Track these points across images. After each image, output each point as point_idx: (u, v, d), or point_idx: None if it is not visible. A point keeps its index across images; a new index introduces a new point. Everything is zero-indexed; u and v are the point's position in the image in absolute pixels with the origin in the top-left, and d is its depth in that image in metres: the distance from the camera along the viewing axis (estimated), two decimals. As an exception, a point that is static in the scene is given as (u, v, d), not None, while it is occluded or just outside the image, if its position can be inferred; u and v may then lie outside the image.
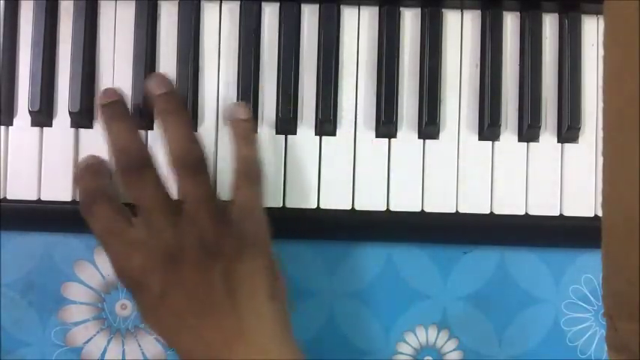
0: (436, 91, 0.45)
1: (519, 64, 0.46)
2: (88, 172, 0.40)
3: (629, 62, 0.27)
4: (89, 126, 0.44)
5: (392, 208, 0.44)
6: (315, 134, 0.45)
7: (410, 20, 0.46)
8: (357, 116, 0.45)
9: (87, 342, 0.45)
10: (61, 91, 0.44)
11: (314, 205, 0.44)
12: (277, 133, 0.45)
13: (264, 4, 0.45)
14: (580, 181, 0.45)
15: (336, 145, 0.45)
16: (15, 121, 0.44)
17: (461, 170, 0.45)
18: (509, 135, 0.46)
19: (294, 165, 0.44)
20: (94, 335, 0.46)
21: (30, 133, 0.44)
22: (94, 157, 0.41)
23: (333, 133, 0.45)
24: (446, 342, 0.47)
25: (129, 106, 0.41)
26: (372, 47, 0.45)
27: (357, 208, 0.44)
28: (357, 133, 0.45)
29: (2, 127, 0.43)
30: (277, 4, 0.45)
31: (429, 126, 0.44)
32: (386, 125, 0.44)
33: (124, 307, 0.46)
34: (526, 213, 0.45)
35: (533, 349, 0.47)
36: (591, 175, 0.45)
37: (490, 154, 0.45)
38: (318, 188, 0.44)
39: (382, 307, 0.46)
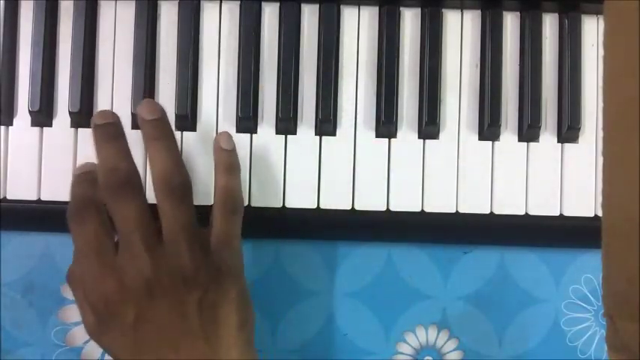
0: (436, 91, 0.45)
1: (519, 64, 0.46)
2: (83, 179, 0.40)
3: (629, 62, 0.27)
4: (89, 126, 0.44)
5: (392, 208, 0.44)
6: (315, 134, 0.45)
7: (410, 20, 0.46)
8: (357, 116, 0.45)
9: (87, 342, 0.45)
10: (61, 91, 0.44)
11: (314, 205, 0.44)
12: (277, 133, 0.44)
13: (264, 4, 0.45)
14: (580, 181, 0.45)
15: (336, 145, 0.45)
16: (15, 121, 0.44)
17: (461, 170, 0.45)
18: (509, 135, 0.46)
19: (294, 165, 0.44)
20: (94, 335, 0.46)
21: (30, 133, 0.44)
22: (93, 164, 0.40)
23: (333, 133, 0.45)
24: (446, 342, 0.47)
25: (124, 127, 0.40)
26: (372, 47, 0.45)
27: (357, 208, 0.44)
28: (357, 133, 0.45)
29: (2, 127, 0.43)
30: (277, 4, 0.45)
31: (429, 126, 0.44)
32: (386, 125, 0.44)
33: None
34: (526, 213, 0.45)
35: (533, 349, 0.47)
36: (591, 175, 0.45)
37: (490, 154, 0.45)
38: (318, 188, 0.44)
39: (382, 307, 0.46)
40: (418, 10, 0.46)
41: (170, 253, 0.37)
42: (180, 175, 0.38)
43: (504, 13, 0.46)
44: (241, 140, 0.44)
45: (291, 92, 0.44)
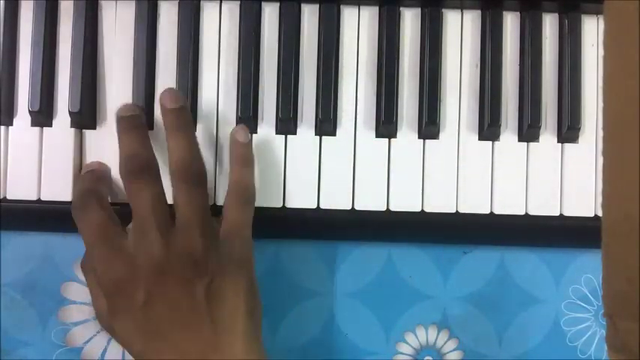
0: (436, 91, 0.45)
1: (519, 64, 0.46)
2: (89, 174, 0.42)
3: (629, 62, 0.27)
4: (89, 126, 0.44)
5: (392, 208, 0.44)
6: (315, 134, 0.45)
7: (410, 20, 0.46)
8: (357, 116, 0.45)
9: (87, 342, 0.45)
10: (61, 91, 0.44)
11: (314, 205, 0.44)
12: (277, 133, 0.44)
13: (264, 4, 0.45)
14: (580, 181, 0.45)
15: (336, 145, 0.45)
16: (15, 121, 0.44)
17: (461, 170, 0.45)
18: (509, 135, 0.46)
19: (294, 165, 0.44)
20: (94, 335, 0.46)
21: (30, 133, 0.44)
22: (100, 163, 0.43)
23: (333, 133, 0.45)
24: (446, 342, 0.47)
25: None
26: (372, 47, 0.45)
27: (357, 208, 0.44)
28: (357, 133, 0.45)
29: (2, 127, 0.43)
30: (277, 4, 0.45)
31: (429, 126, 0.44)
32: (386, 125, 0.44)
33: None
34: (526, 213, 0.45)
35: (533, 349, 0.47)
36: (591, 175, 0.45)
37: (490, 154, 0.45)
38: (318, 188, 0.44)
39: (382, 307, 0.46)
40: (418, 10, 0.46)
41: (182, 237, 0.38)
42: (197, 162, 0.40)
43: (504, 13, 0.46)
44: (241, 140, 0.44)
45: (291, 92, 0.44)
